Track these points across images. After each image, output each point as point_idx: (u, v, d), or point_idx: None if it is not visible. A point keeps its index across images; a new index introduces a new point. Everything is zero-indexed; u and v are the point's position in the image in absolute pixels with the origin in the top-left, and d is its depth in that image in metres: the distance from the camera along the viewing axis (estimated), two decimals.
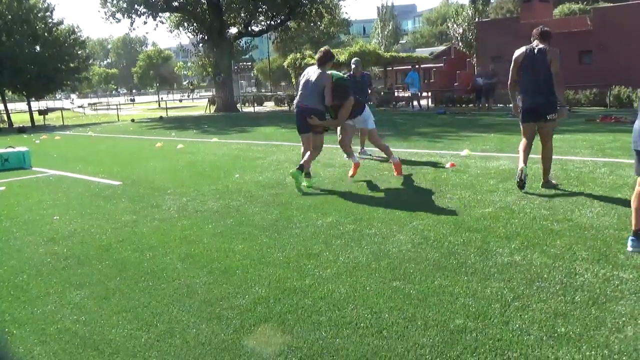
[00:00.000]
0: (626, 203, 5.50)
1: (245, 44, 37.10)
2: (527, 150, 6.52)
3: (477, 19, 29.03)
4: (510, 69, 6.56)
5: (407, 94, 27.40)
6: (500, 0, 50.16)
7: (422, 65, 34.99)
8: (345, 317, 3.32)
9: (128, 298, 3.84)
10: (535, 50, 6.32)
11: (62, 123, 30.81)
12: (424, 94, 26.98)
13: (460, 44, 30.43)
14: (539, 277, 3.74)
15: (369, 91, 10.31)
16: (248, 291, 3.81)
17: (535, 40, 6.43)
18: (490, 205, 5.76)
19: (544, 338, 2.92)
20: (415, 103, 24.90)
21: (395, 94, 32.06)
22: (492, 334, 2.98)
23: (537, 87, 6.30)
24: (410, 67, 28.06)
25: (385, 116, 21.04)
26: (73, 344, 3.21)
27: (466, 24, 29.53)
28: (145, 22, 39.59)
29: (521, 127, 6.62)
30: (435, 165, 8.53)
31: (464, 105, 23.74)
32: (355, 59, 10.32)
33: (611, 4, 27.53)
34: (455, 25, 30.65)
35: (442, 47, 49.16)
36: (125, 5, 31.58)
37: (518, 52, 6.50)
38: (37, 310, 3.72)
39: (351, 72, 10.01)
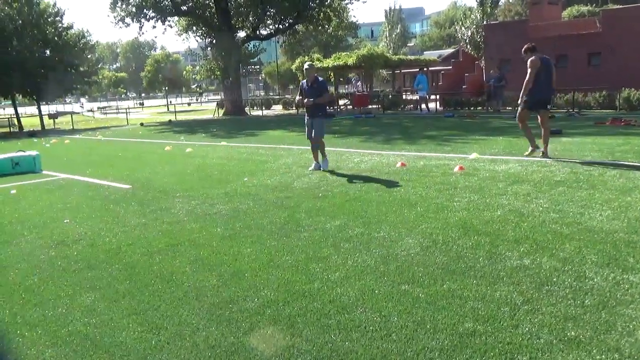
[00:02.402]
0: (636, 206, 5.48)
1: (254, 47, 37.18)
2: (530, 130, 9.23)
3: (485, 22, 28.98)
4: (530, 73, 8.80)
5: (416, 97, 27.40)
6: (508, 2, 50.02)
7: (430, 68, 34.99)
8: (354, 320, 3.32)
9: (138, 301, 3.87)
10: (545, 59, 8.94)
11: (71, 127, 31.01)
12: (432, 96, 26.94)
13: (468, 46, 30.40)
14: (548, 280, 3.73)
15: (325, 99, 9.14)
16: (257, 294, 3.83)
17: (537, 52, 8.99)
18: (499, 208, 5.75)
19: (554, 342, 2.91)
20: (423, 106, 24.88)
21: (403, 96, 32.00)
22: (502, 338, 2.98)
23: (548, 85, 8.92)
24: (418, 69, 28.05)
25: (393, 119, 21.04)
26: (84, 347, 3.24)
27: (474, 26, 29.50)
28: (154, 26, 39.77)
29: (525, 113, 9.08)
30: (443, 168, 8.51)
31: (472, 108, 23.69)
32: (307, 62, 9.40)
33: (620, 6, 27.38)
34: (463, 28, 30.63)
35: (450, 50, 49.10)
36: (134, 10, 31.80)
37: (536, 61, 8.82)
38: (49, 313, 3.76)
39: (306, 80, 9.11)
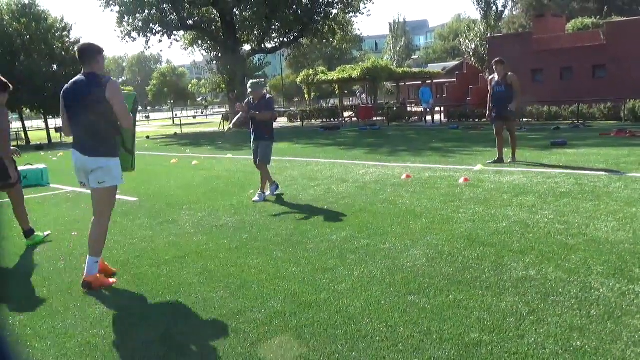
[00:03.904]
0: None
1: (259, 60, 37.51)
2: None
3: (489, 34, 29.11)
4: (519, 88, 10.06)
5: (420, 109, 27.54)
6: (512, 15, 50.24)
7: (434, 81, 35.12)
8: (360, 330, 3.35)
9: (146, 312, 3.90)
10: None
11: None
12: (436, 108, 27.05)
13: (472, 59, 30.51)
14: (554, 291, 3.75)
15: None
16: (264, 305, 3.86)
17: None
18: (505, 219, 5.77)
19: (559, 352, 2.92)
20: (429, 118, 24.98)
21: (408, 108, 32.10)
22: (508, 348, 3.00)
23: None
24: (421, 82, 28.19)
25: (398, 131, 21.11)
26: (93, 358, 3.27)
27: (478, 39, 29.64)
28: (160, 41, 40.13)
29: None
30: (448, 180, 8.54)
31: (476, 120, 23.74)
32: (251, 81, 8.27)
33: (625, 18, 27.47)
34: (467, 41, 30.77)
35: (454, 62, 49.27)
36: (140, 25, 32.13)
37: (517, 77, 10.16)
38: (58, 325, 3.79)
39: (250, 98, 8.08)
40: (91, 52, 4.46)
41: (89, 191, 4.78)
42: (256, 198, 7.92)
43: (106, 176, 4.54)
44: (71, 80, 4.54)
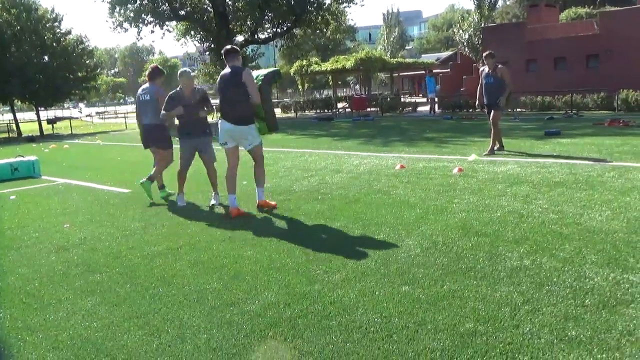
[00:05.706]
0: (635, 207, 5.50)
1: (252, 51, 37.23)
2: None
3: (483, 24, 29.05)
4: (509, 80, 10.05)
5: (413, 99, 27.50)
6: (506, 5, 50.15)
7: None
8: (355, 321, 3.33)
9: (139, 304, 3.87)
10: None
11: (70, 132, 31.02)
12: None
13: (466, 49, 30.46)
14: (548, 280, 3.74)
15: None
16: (258, 297, 3.83)
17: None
18: (499, 209, 5.76)
19: (554, 341, 2.91)
20: (427, 108, 24.98)
21: (402, 99, 32.05)
22: (503, 338, 2.99)
23: None
24: (427, 71, 28.13)
25: (392, 122, 21.07)
26: (85, 350, 3.24)
27: (472, 29, 29.58)
28: (152, 31, 40.00)
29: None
30: (442, 170, 8.52)
31: (470, 110, 23.72)
32: (182, 69, 7.20)
33: (618, 8, 27.47)
34: (461, 31, 30.71)
35: (448, 53, 49.20)
36: (132, 15, 31.78)
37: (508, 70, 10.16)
38: (49, 317, 3.76)
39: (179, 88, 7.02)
40: (235, 52, 6.39)
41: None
42: (213, 201, 7.22)
43: (253, 139, 6.56)
44: (222, 72, 6.40)
